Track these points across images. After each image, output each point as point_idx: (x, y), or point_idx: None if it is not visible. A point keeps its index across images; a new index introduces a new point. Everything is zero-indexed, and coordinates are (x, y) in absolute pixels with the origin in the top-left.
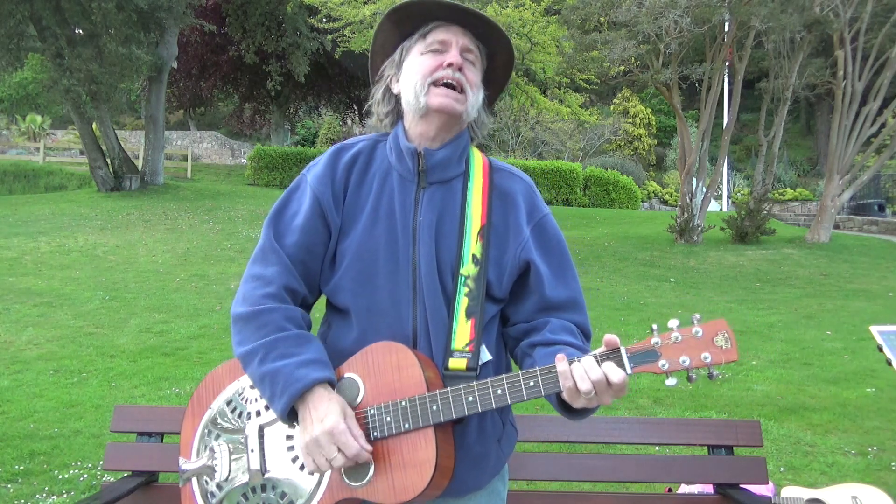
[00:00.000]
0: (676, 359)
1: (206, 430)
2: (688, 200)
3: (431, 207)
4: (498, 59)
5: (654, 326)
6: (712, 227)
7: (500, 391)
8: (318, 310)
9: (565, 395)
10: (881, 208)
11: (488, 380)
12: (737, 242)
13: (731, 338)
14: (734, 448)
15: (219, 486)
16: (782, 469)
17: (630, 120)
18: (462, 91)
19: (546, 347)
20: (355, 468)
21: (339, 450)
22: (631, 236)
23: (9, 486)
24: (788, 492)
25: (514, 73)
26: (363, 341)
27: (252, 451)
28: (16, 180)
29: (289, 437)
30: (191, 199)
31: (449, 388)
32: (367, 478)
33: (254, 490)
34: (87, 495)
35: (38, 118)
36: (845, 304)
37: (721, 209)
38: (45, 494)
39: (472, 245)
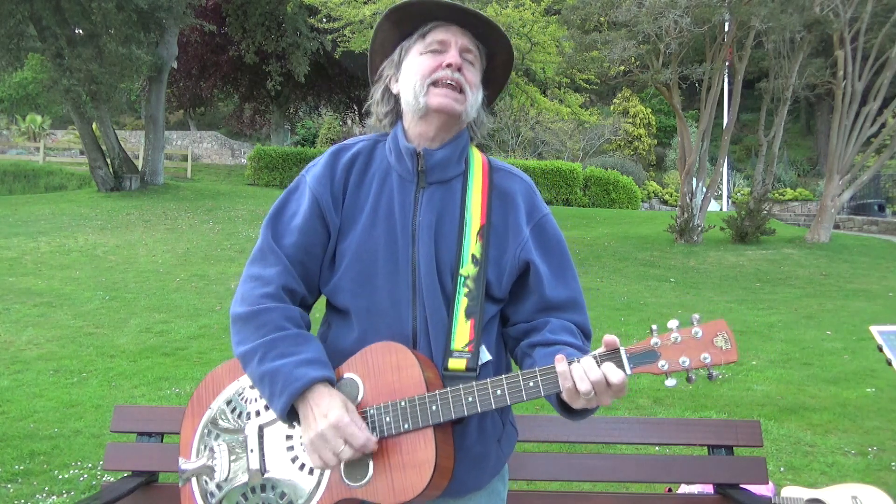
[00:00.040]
0: (676, 359)
1: (205, 430)
2: (688, 200)
3: (431, 207)
4: (497, 59)
5: (654, 327)
6: (712, 227)
7: (499, 392)
8: (318, 310)
9: (565, 396)
10: (881, 208)
11: (488, 380)
12: (737, 242)
13: (731, 338)
14: (734, 448)
15: (218, 486)
16: (782, 469)
17: (630, 120)
18: (461, 91)
19: (546, 348)
20: (355, 468)
21: (346, 442)
22: (631, 236)
23: (9, 486)
24: (788, 492)
25: (513, 73)
26: (363, 341)
27: (252, 451)
28: (16, 180)
29: (288, 438)
30: (191, 199)
31: (448, 389)
32: (367, 478)
33: (253, 490)
34: (87, 495)
35: (38, 118)
36: (845, 304)
37: (721, 209)
38: (45, 494)
39: (472, 245)
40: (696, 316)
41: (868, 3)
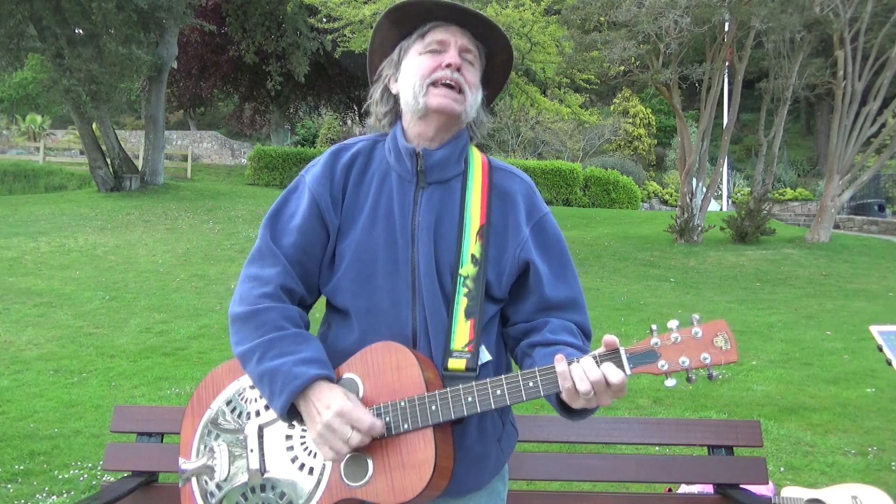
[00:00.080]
0: (676, 359)
1: (205, 430)
2: (688, 200)
3: (430, 207)
4: (497, 59)
5: (654, 327)
6: (712, 227)
7: (499, 392)
8: (318, 310)
9: (564, 396)
10: (881, 208)
11: (487, 380)
12: (737, 242)
13: (731, 338)
14: (734, 448)
15: (218, 486)
16: (782, 469)
17: (630, 120)
18: (461, 91)
19: (546, 348)
20: (354, 468)
21: (353, 427)
22: (631, 236)
23: (9, 486)
24: (788, 492)
25: (513, 73)
26: (363, 342)
27: (251, 451)
28: (16, 180)
29: (288, 438)
30: (191, 199)
31: (448, 389)
32: (367, 478)
33: (253, 490)
34: (87, 495)
35: (38, 118)
36: (845, 304)
37: (721, 209)
38: (45, 494)
39: (472, 245)
40: (696, 316)
41: (868, 3)
